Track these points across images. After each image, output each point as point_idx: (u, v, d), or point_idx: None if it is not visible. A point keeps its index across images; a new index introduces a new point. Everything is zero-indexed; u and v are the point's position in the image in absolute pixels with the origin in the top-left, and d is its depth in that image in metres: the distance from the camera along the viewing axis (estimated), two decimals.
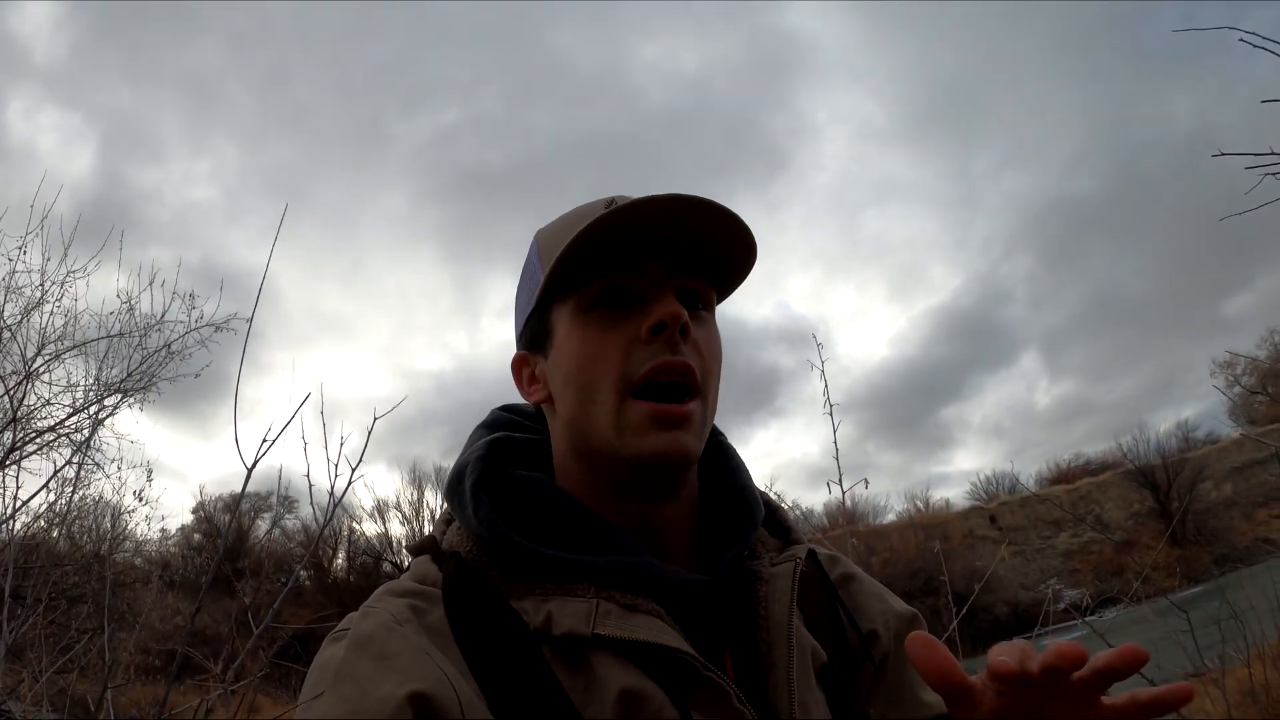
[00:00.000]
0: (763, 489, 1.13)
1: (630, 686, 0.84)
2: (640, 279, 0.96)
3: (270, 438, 2.53)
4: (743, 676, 0.92)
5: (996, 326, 71.83)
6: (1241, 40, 2.75)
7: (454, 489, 1.01)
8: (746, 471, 1.12)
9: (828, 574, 1.10)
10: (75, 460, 6.17)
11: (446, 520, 1.04)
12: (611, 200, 0.98)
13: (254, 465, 2.54)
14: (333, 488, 2.80)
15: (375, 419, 2.81)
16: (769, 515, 1.11)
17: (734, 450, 1.14)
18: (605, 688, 0.84)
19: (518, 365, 1.08)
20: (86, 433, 6.69)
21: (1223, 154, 2.87)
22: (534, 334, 1.04)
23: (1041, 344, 69.67)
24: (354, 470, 2.79)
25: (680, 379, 0.94)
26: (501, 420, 1.14)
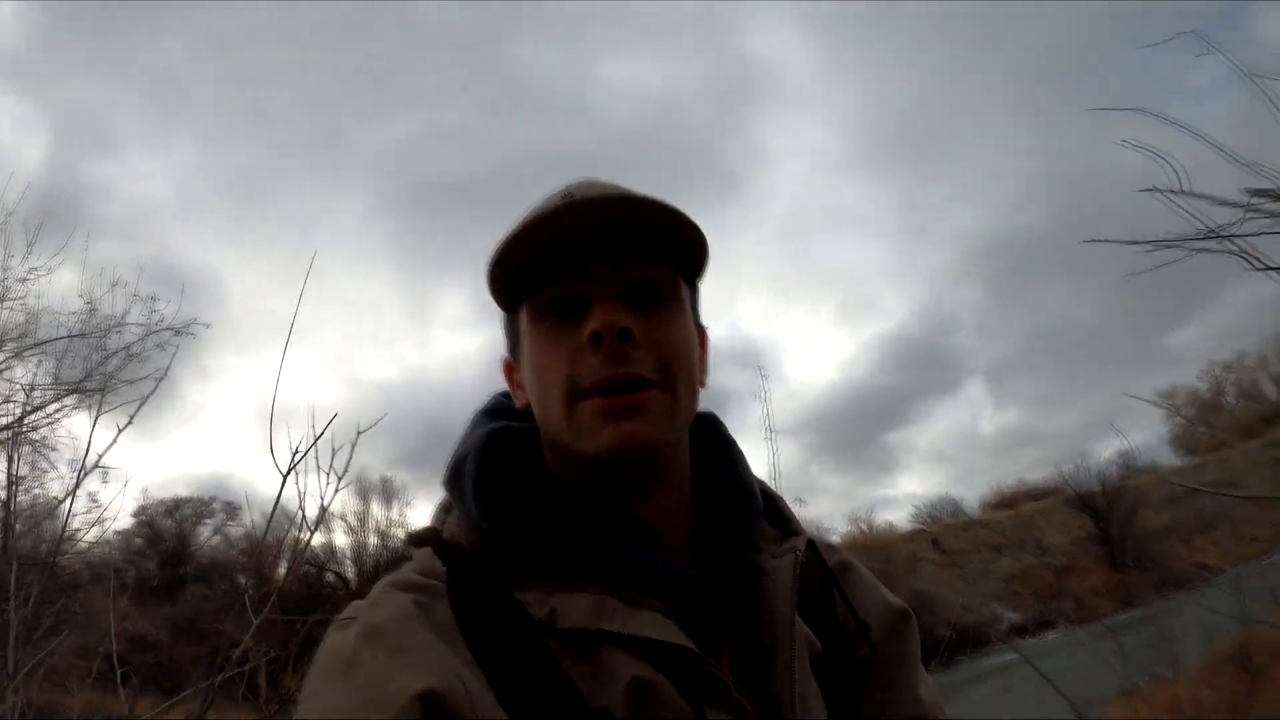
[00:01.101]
0: (762, 479, 1.13)
1: (640, 676, 0.84)
2: (587, 281, 0.96)
3: (302, 451, 2.55)
4: (743, 670, 0.91)
5: (943, 355, 72.67)
6: (1157, 117, 2.95)
7: (454, 479, 1.02)
8: (746, 463, 1.12)
9: (826, 562, 1.09)
10: (28, 459, 6.09)
11: (445, 508, 1.04)
12: (568, 194, 0.98)
13: (287, 474, 2.55)
14: (302, 504, 2.80)
15: (359, 432, 2.81)
16: (768, 505, 1.10)
17: (734, 441, 1.13)
18: (614, 678, 0.84)
19: (507, 370, 1.11)
20: (43, 432, 6.60)
21: (1092, 240, 3.12)
22: (510, 339, 1.07)
23: (987, 373, 70.63)
24: (341, 479, 2.79)
25: (627, 385, 0.93)
26: (501, 407, 1.12)
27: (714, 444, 1.11)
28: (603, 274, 0.96)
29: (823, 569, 1.07)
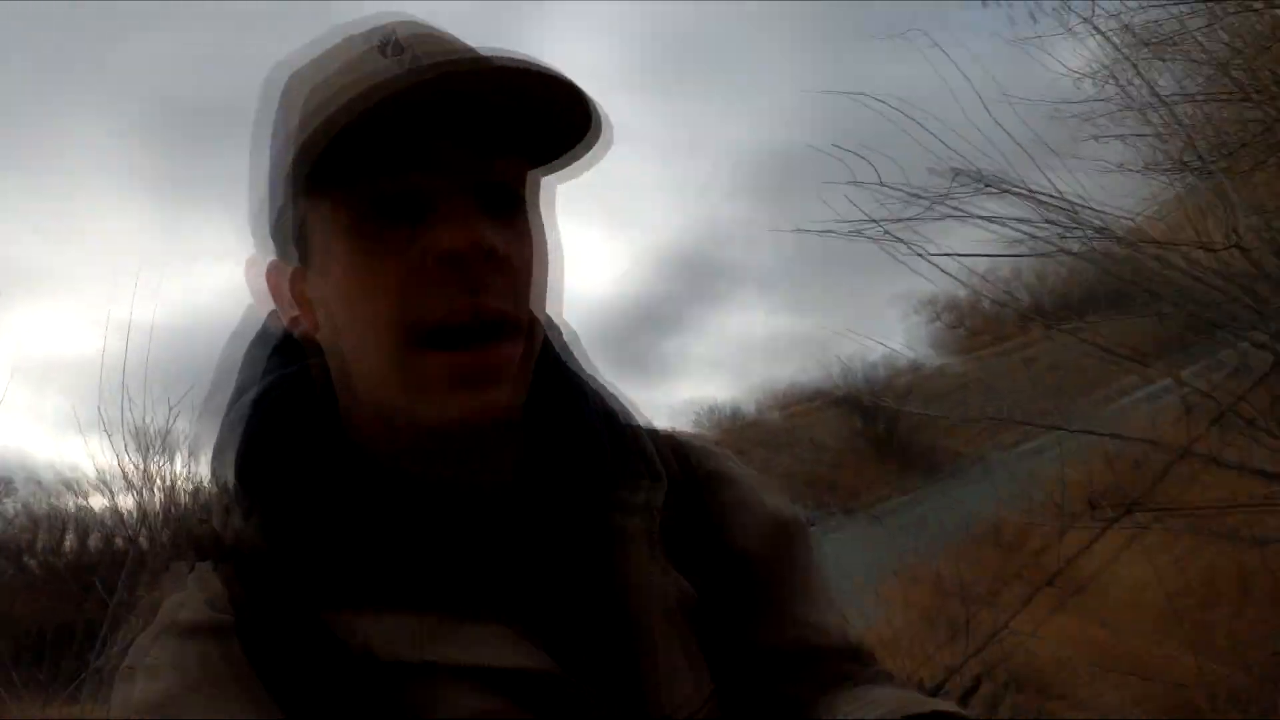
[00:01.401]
0: (610, 391, 0.89)
1: (481, 709, 0.68)
2: (429, 177, 0.68)
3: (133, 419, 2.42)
4: (605, 663, 0.74)
5: (717, 264, 75.14)
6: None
7: (230, 467, 0.76)
8: (587, 385, 0.86)
9: (696, 478, 0.90)
10: None
11: (225, 507, 0.78)
12: (394, 40, 0.70)
13: (146, 456, 2.43)
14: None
15: (172, 405, 2.71)
16: (616, 437, 0.84)
17: (572, 356, 0.86)
18: (451, 714, 0.68)
19: (270, 279, 0.79)
20: None
21: (792, 229, 3.79)
22: (285, 235, 0.75)
23: (758, 280, 73.37)
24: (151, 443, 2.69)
25: (482, 330, 0.68)
26: (279, 343, 0.81)
27: (547, 362, 0.81)
28: (454, 165, 0.69)
29: (689, 489, 0.89)
